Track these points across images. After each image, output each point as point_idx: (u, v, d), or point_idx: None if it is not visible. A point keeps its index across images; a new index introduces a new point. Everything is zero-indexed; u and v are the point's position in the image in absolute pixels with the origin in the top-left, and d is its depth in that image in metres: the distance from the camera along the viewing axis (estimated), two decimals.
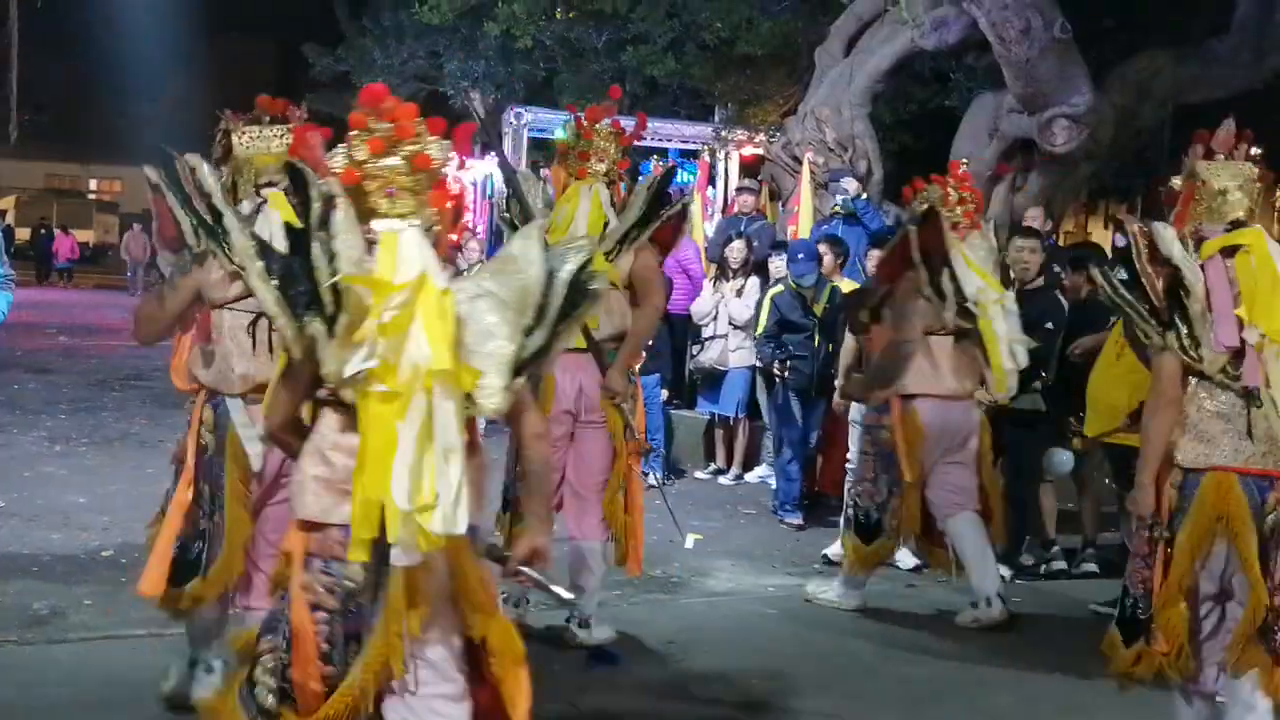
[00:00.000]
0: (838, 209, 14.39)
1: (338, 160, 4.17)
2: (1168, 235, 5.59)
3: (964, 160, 14.45)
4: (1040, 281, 9.91)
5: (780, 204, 17.29)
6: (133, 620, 7.42)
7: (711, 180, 23.68)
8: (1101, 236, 26.50)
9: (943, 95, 18.19)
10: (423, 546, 3.97)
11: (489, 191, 24.04)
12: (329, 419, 4.19)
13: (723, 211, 19.48)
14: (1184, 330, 5.50)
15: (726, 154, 23.93)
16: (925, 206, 8.49)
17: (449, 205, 4.27)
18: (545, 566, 4.47)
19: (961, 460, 8.54)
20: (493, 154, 24.99)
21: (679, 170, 18.36)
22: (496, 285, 4.17)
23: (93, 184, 67.55)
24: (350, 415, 4.07)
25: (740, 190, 16.47)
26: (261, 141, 5.84)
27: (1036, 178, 14.99)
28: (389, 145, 4.11)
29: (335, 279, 4.01)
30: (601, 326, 7.34)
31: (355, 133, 4.14)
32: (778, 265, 12.39)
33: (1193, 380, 5.55)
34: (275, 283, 4.09)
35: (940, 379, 8.41)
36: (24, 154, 53.59)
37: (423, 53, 33.17)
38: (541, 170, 23.92)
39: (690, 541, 10.20)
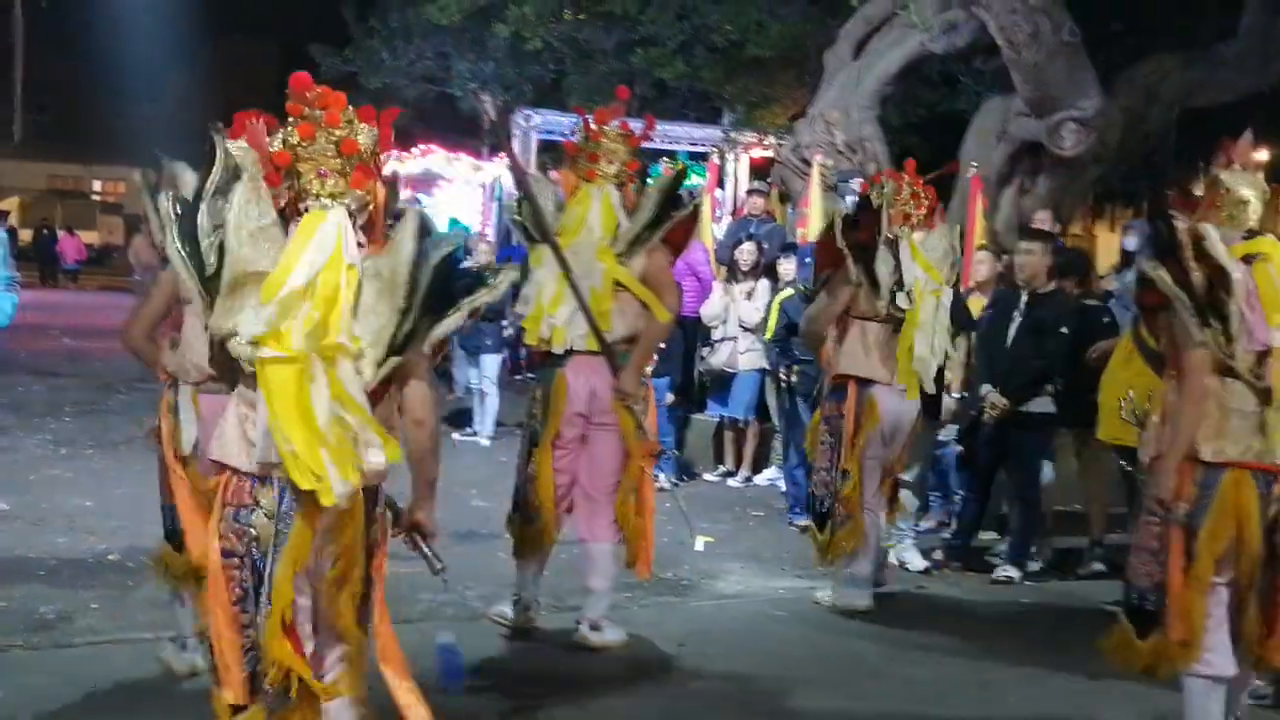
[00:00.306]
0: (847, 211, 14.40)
1: (275, 143, 4.51)
2: (1214, 236, 5.76)
3: (973, 164, 14.62)
4: (1051, 285, 9.94)
5: (790, 206, 17.31)
6: (139, 624, 7.44)
7: (721, 183, 23.72)
8: (1108, 239, 26.51)
9: (951, 98, 18.22)
10: (325, 501, 4.28)
11: (498, 194, 24.12)
12: (246, 377, 4.48)
13: (732, 214, 19.54)
14: (1220, 328, 5.70)
15: (736, 156, 23.97)
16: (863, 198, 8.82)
17: (380, 187, 4.63)
18: (431, 540, 4.99)
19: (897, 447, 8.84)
20: (500, 156, 25.10)
21: (688, 173, 18.47)
22: (383, 267, 4.51)
23: (96, 185, 67.42)
24: (254, 375, 4.39)
25: (750, 193, 16.54)
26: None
27: (1044, 181, 15.01)
28: (318, 130, 4.48)
29: (221, 240, 4.39)
30: (614, 328, 7.39)
31: (291, 119, 4.52)
32: (787, 268, 12.49)
33: (1218, 378, 5.74)
34: (179, 244, 4.46)
35: (871, 365, 8.61)
36: (27, 155, 53.71)
37: (431, 53, 33.18)
38: (550, 172, 24.03)
39: (700, 544, 10.18)
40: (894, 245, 8.53)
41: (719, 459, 13.62)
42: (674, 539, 10.30)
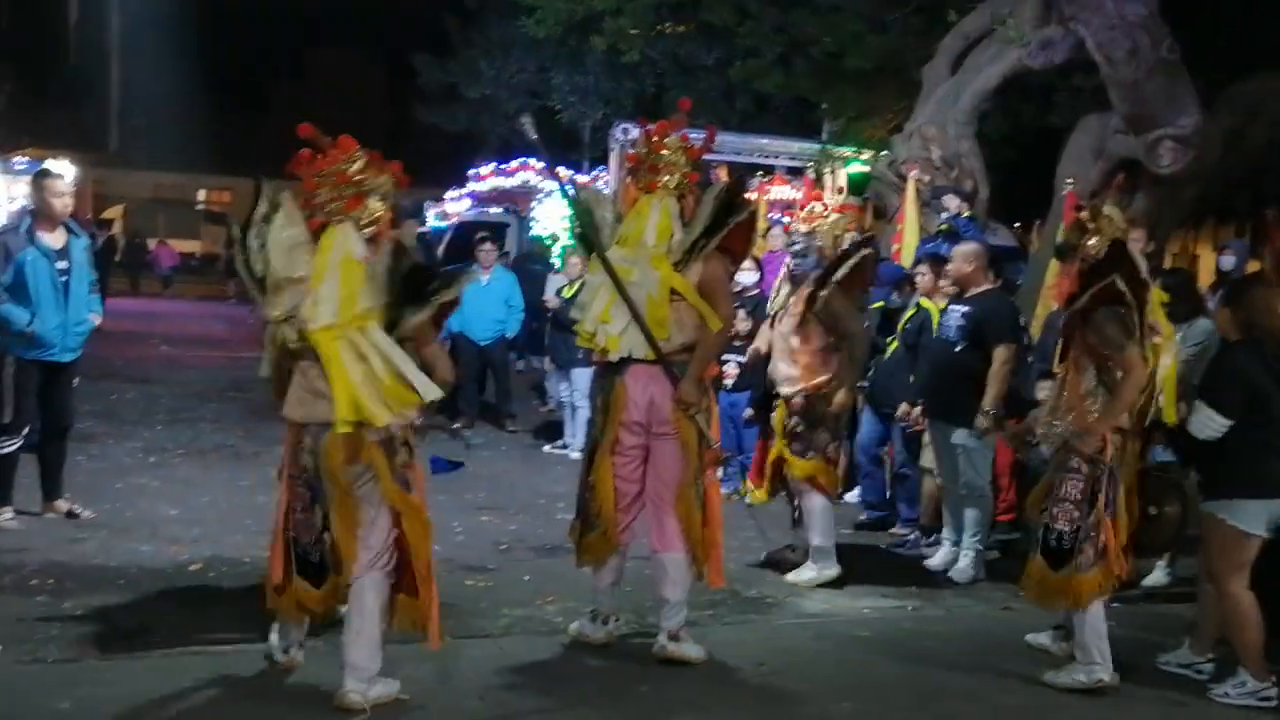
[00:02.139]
0: (941, 227, 14.33)
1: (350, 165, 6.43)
2: (1137, 253, 7.21)
3: (1068, 181, 14.49)
4: None
5: (886, 221, 17.23)
6: (215, 636, 7.50)
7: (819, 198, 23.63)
8: (1209, 259, 26.13)
9: (1049, 114, 18.05)
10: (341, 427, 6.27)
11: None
12: (289, 354, 6.50)
13: None
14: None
15: (833, 170, 23.86)
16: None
17: (382, 211, 6.53)
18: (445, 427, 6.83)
19: None
20: (600, 173, 25.17)
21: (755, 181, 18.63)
22: (375, 269, 6.39)
23: (200, 194, 68.23)
24: (304, 352, 6.40)
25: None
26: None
27: (1141, 199, 14.81)
28: (323, 178, 6.43)
29: (265, 255, 6.44)
30: (671, 337, 7.48)
31: (312, 157, 6.44)
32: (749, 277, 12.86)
33: None
34: (241, 258, 6.59)
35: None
36: (132, 164, 54.36)
37: (531, 66, 33.36)
38: None
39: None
40: None
41: None
42: (759, 556, 10.27)
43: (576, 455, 14.61)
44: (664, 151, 7.70)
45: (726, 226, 7.51)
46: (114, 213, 50.88)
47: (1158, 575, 10.16)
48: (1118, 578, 7.51)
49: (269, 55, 55.14)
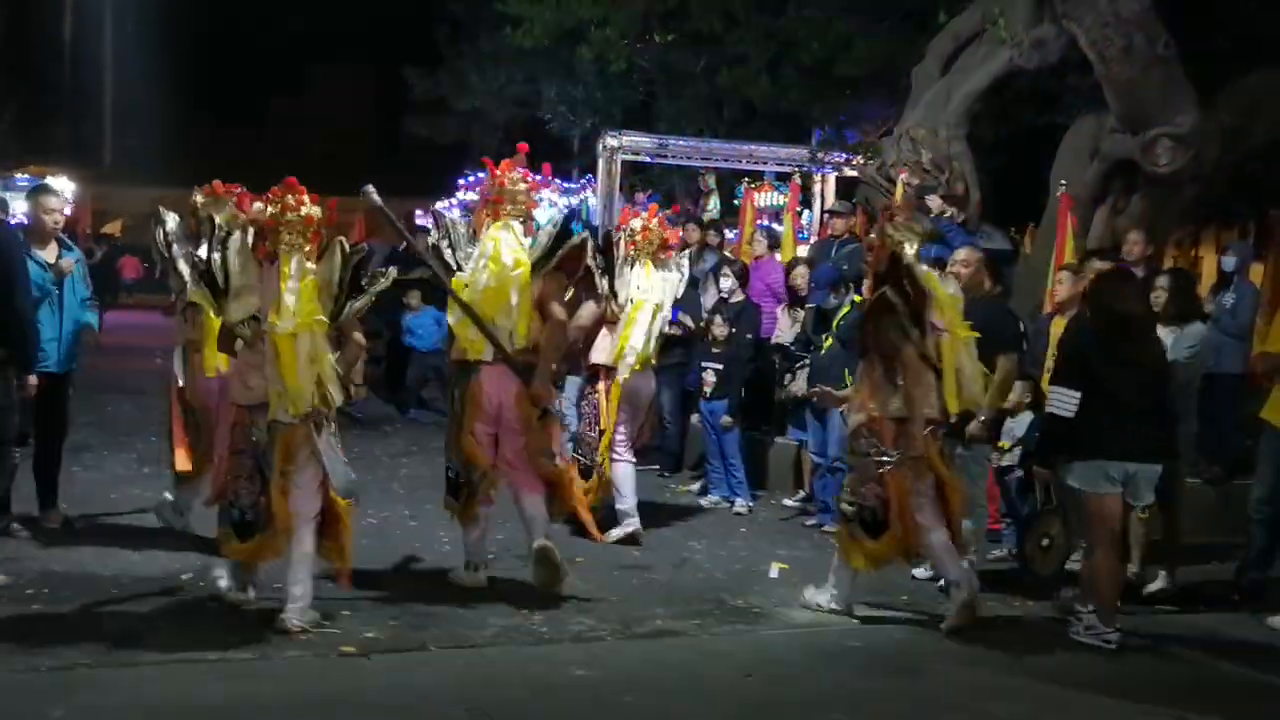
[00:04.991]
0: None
1: (260, 209, 8.13)
2: (912, 258, 8.60)
3: (1062, 182, 14.24)
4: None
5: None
6: (206, 645, 7.49)
7: (808, 203, 23.45)
8: (1212, 260, 25.90)
9: (1043, 115, 17.79)
10: (292, 414, 7.92)
11: (585, 214, 24.17)
12: (244, 349, 8.19)
13: (818, 235, 19.25)
14: (918, 330, 8.67)
15: (823, 176, 23.70)
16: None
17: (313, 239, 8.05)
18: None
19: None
20: (589, 180, 24.93)
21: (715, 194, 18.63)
22: (321, 273, 8.02)
23: None
24: (254, 347, 8.08)
25: (831, 213, 16.22)
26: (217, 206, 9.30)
27: (1139, 200, 14.52)
28: (281, 206, 7.99)
29: (228, 275, 8.16)
30: (531, 339, 9.12)
31: (270, 198, 8.03)
32: (725, 284, 13.23)
33: (920, 362, 8.74)
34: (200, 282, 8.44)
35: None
36: (130, 178, 54.32)
37: (521, 77, 33.24)
38: (637, 195, 23.90)
39: (775, 571, 10.01)
40: None
41: (799, 485, 13.27)
42: (748, 565, 10.14)
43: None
44: (505, 185, 9.32)
45: (560, 252, 9.23)
46: (113, 227, 50.59)
47: (1160, 583, 10.05)
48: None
49: (264, 69, 55.11)
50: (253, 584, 8.40)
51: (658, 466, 14.09)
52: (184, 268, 9.37)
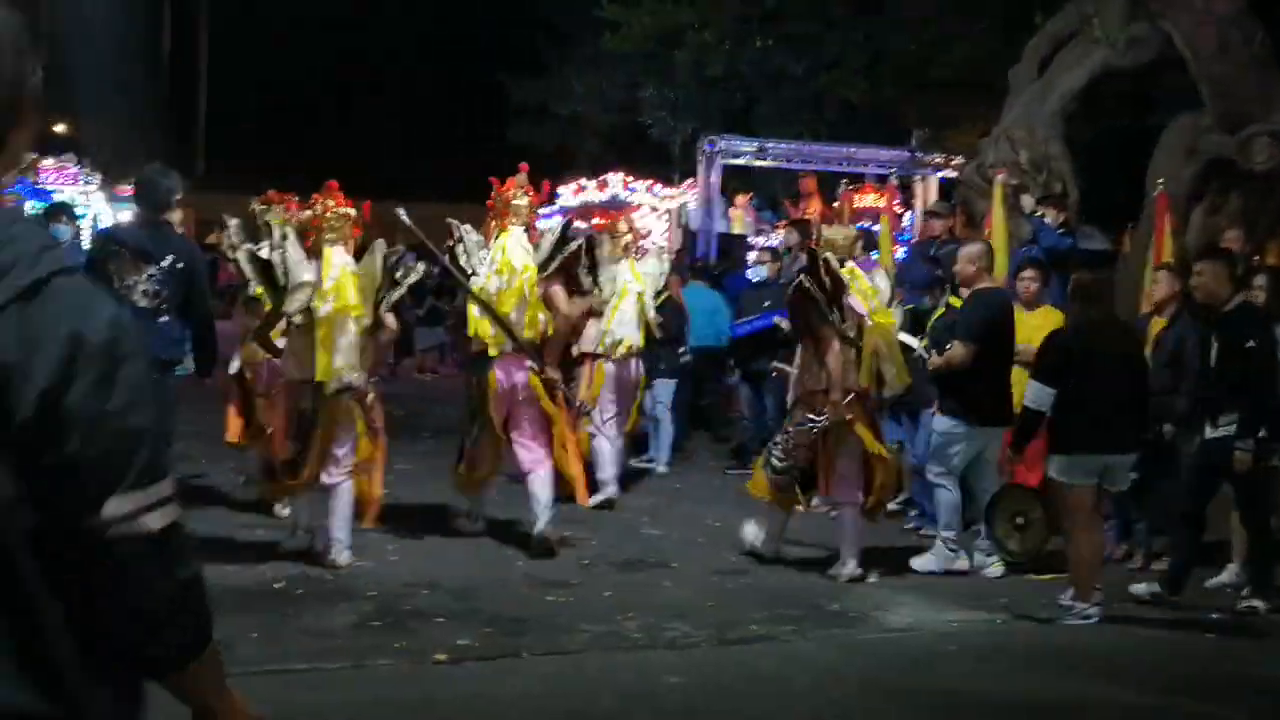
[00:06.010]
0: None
1: (309, 212, 9.77)
2: (832, 257, 9.89)
3: (1159, 181, 14.19)
4: (1236, 301, 9.56)
5: (975, 228, 16.94)
6: (295, 654, 7.52)
7: (909, 205, 23.43)
8: None
9: (1139, 115, 17.72)
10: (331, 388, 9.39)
11: (683, 219, 24.29)
12: (295, 332, 9.56)
13: (918, 236, 19.24)
14: (838, 314, 9.79)
15: (923, 178, 23.67)
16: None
17: (354, 232, 9.78)
18: None
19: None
20: (689, 183, 25.08)
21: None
22: (364, 268, 9.61)
23: (306, 213, 69.01)
24: (304, 330, 9.42)
25: (929, 215, 16.26)
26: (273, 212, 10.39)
27: (1236, 198, 14.45)
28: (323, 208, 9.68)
29: (287, 271, 9.47)
30: (541, 329, 10.36)
31: (313, 200, 9.80)
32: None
33: (839, 343, 9.86)
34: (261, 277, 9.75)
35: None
36: (226, 186, 55.09)
37: (622, 81, 33.34)
38: (737, 198, 24.02)
39: (873, 575, 10.02)
40: None
41: (898, 489, 13.23)
42: (838, 569, 10.10)
43: (663, 469, 14.54)
44: (510, 199, 10.41)
45: (560, 257, 10.49)
46: (216, 237, 51.47)
47: (1224, 576, 10.11)
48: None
49: (355, 75, 55.59)
50: (301, 527, 10.06)
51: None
52: (246, 266, 9.95)
